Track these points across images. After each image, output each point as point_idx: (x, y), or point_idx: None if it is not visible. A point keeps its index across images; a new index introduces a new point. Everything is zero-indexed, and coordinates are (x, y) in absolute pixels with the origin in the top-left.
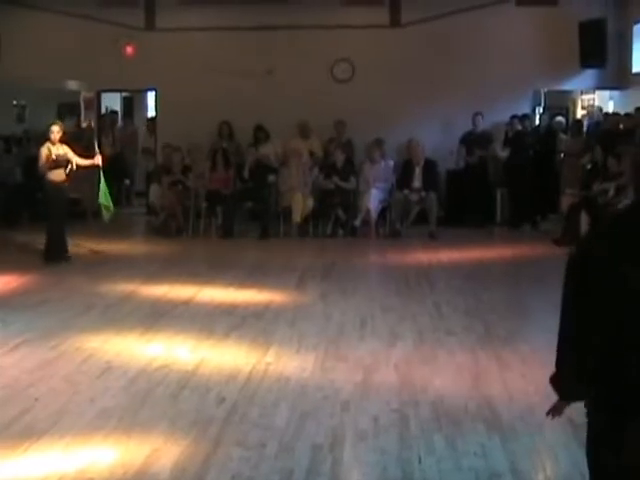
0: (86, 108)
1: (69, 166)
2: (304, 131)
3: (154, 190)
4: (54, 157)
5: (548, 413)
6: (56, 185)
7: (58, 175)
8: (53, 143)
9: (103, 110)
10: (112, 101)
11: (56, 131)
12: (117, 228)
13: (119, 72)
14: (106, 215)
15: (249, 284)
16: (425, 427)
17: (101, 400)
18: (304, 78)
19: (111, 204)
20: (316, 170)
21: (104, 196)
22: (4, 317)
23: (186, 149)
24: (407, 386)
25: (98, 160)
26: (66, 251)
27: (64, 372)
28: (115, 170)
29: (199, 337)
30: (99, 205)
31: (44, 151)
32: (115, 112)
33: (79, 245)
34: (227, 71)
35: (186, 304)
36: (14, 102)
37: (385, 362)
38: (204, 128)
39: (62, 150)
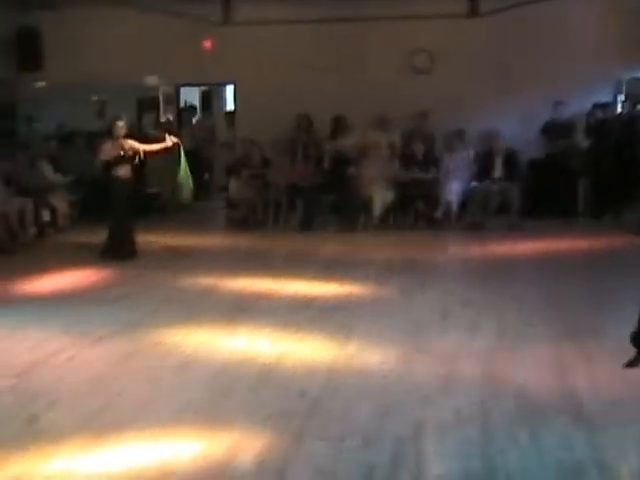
0: (165, 103)
1: (137, 158)
2: (383, 123)
3: (233, 184)
4: (120, 153)
5: (627, 365)
6: (122, 181)
7: (124, 171)
8: (118, 138)
9: (182, 104)
10: (191, 95)
11: (120, 126)
12: (197, 222)
13: (197, 66)
14: (186, 194)
15: (329, 277)
16: (508, 420)
17: (183, 394)
18: (383, 69)
19: (190, 183)
20: (396, 162)
21: (184, 175)
22: (86, 311)
23: (265, 142)
24: (489, 379)
25: (169, 142)
26: (134, 248)
27: (146, 366)
28: (194, 164)
29: (280, 330)
30: (179, 184)
31: (107, 146)
32: (194, 107)
33: (152, 242)
34: (305, 63)
35: (267, 297)
36: (94, 98)
37: (467, 355)
38: (283, 121)
39: (127, 144)
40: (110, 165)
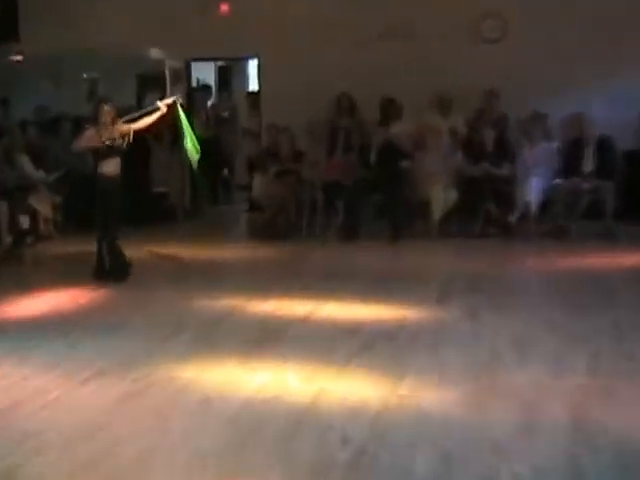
0: (173, 81)
1: (127, 142)
2: (444, 105)
3: (258, 181)
4: (106, 142)
5: None
6: (108, 180)
7: (112, 167)
8: (104, 125)
9: (194, 83)
10: (205, 72)
11: (107, 110)
12: (213, 229)
13: (212, 36)
14: (194, 157)
15: (378, 298)
16: (602, 477)
17: (197, 442)
18: (443, 38)
19: (197, 146)
20: (460, 153)
21: (188, 136)
22: (74, 342)
23: (297, 129)
24: (580, 426)
25: (163, 107)
26: (126, 262)
27: (150, 408)
28: (210, 158)
29: (316, 363)
30: (185, 149)
31: (90, 134)
32: (208, 86)
33: (157, 254)
34: (347, 31)
35: (300, 323)
36: (84, 75)
37: (551, 395)
38: (319, 103)
39: (115, 132)
40: (95, 157)
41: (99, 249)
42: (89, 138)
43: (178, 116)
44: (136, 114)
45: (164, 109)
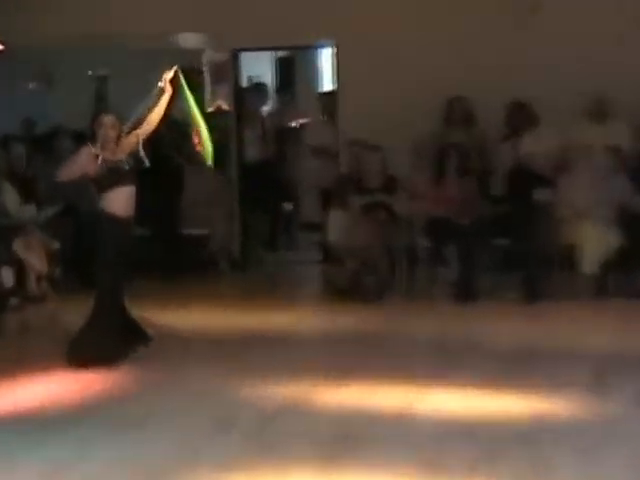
0: (214, 79)
1: (140, 161)
2: (598, 111)
3: (336, 219)
4: (109, 166)
5: None
6: (115, 219)
7: (119, 201)
8: (105, 144)
9: (244, 82)
10: (259, 66)
11: (109, 124)
12: (271, 287)
13: (268, 18)
14: (208, 157)
15: (507, 383)
16: None
17: None
18: (591, 19)
19: (210, 147)
20: (623, 179)
21: (195, 117)
22: (79, 445)
23: (390, 147)
24: None
25: (167, 87)
26: (140, 332)
27: None
28: (266, 187)
29: (420, 476)
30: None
31: (85, 154)
32: (263, 85)
33: (187, 322)
34: (459, 8)
35: (395, 419)
36: (89, 73)
37: None
38: (419, 110)
39: (121, 153)
40: (97, 187)
41: (96, 312)
42: (84, 162)
43: (183, 92)
44: (139, 113)
45: (169, 88)
